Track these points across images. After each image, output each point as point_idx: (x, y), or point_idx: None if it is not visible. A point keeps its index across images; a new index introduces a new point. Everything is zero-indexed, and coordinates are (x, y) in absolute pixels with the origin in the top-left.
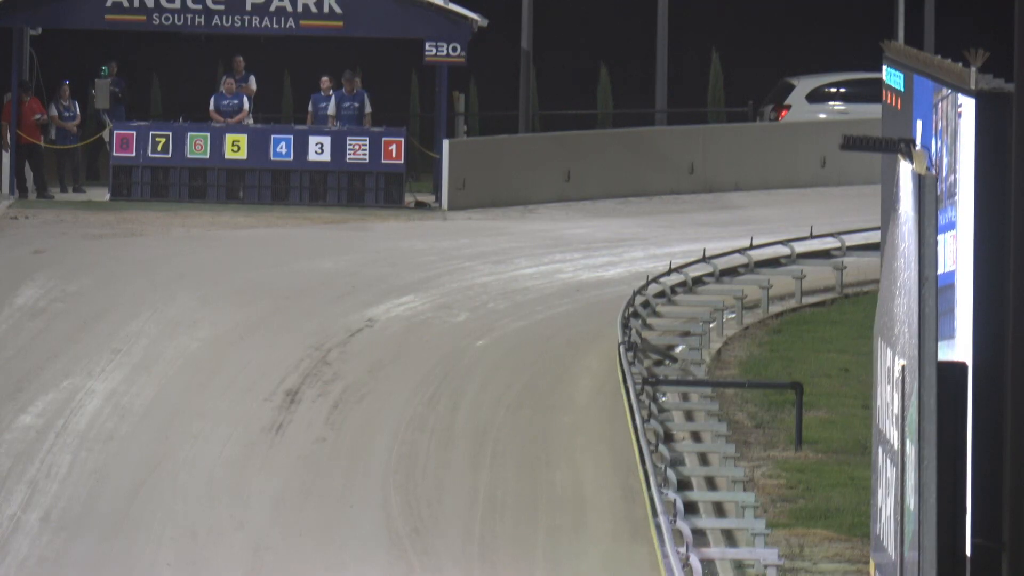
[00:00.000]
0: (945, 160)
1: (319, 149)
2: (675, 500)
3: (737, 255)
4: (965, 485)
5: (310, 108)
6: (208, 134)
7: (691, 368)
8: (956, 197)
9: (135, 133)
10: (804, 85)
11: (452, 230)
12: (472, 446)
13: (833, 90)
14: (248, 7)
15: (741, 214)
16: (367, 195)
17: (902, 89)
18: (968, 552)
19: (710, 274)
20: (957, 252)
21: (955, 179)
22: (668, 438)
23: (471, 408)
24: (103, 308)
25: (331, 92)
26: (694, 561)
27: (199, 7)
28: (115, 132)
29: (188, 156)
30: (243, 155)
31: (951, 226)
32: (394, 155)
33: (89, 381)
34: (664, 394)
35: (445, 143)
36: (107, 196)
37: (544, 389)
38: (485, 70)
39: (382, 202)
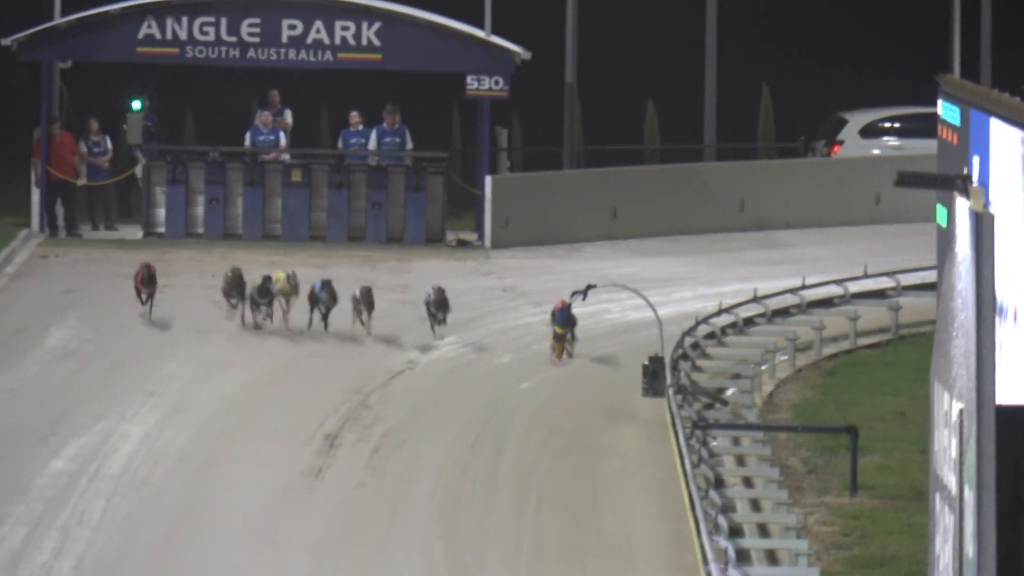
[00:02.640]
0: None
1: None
2: (726, 548)
3: (789, 295)
4: None
5: (340, 144)
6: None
7: (742, 411)
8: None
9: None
10: (857, 120)
11: (495, 269)
12: (517, 491)
13: (887, 125)
14: (284, 40)
15: (793, 253)
16: (407, 233)
17: (958, 124)
18: None
19: (761, 315)
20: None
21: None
22: (719, 483)
23: (515, 452)
24: (136, 350)
25: (360, 127)
26: None
27: (234, 40)
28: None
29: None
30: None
31: None
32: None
33: (122, 424)
34: (715, 438)
35: (488, 179)
36: (140, 234)
37: (590, 433)
38: (528, 104)
39: (422, 240)
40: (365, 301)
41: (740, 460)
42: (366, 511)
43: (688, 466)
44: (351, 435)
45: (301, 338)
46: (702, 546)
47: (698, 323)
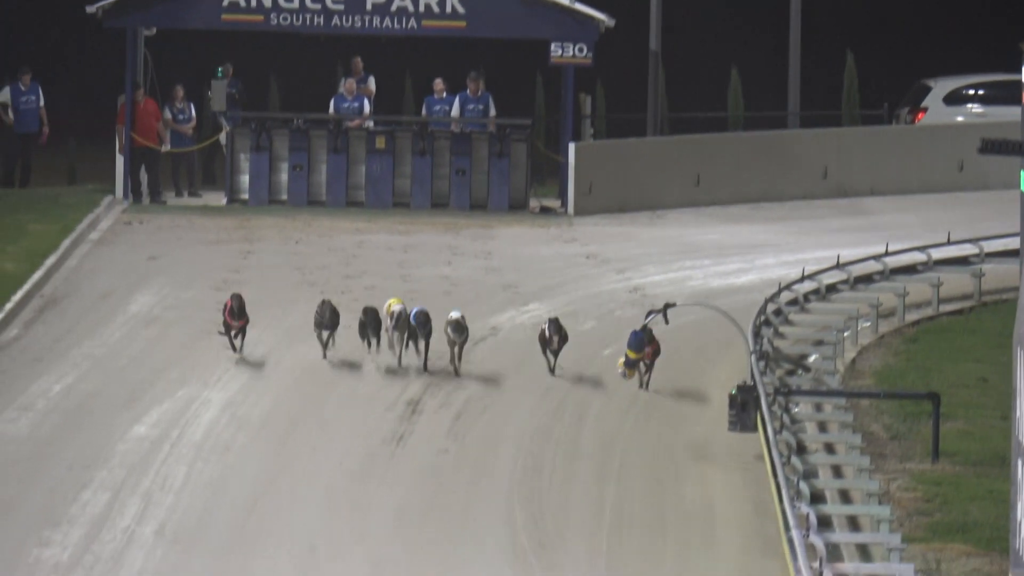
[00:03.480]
0: None
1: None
2: (808, 514)
3: (872, 262)
4: None
5: (424, 111)
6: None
7: (824, 378)
8: None
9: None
10: (941, 87)
11: (578, 236)
12: (598, 459)
13: (971, 92)
14: (368, 7)
15: (876, 219)
16: (491, 200)
17: None
18: None
19: (844, 281)
20: None
21: None
22: (801, 450)
23: (597, 419)
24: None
25: (444, 94)
26: None
27: (318, 7)
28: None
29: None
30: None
31: None
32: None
33: (205, 391)
34: (797, 404)
35: (571, 146)
36: (223, 201)
37: (673, 400)
38: (612, 72)
39: (506, 207)
40: (456, 331)
41: (822, 426)
42: (448, 477)
43: (770, 432)
44: (433, 401)
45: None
46: (783, 512)
47: (781, 289)
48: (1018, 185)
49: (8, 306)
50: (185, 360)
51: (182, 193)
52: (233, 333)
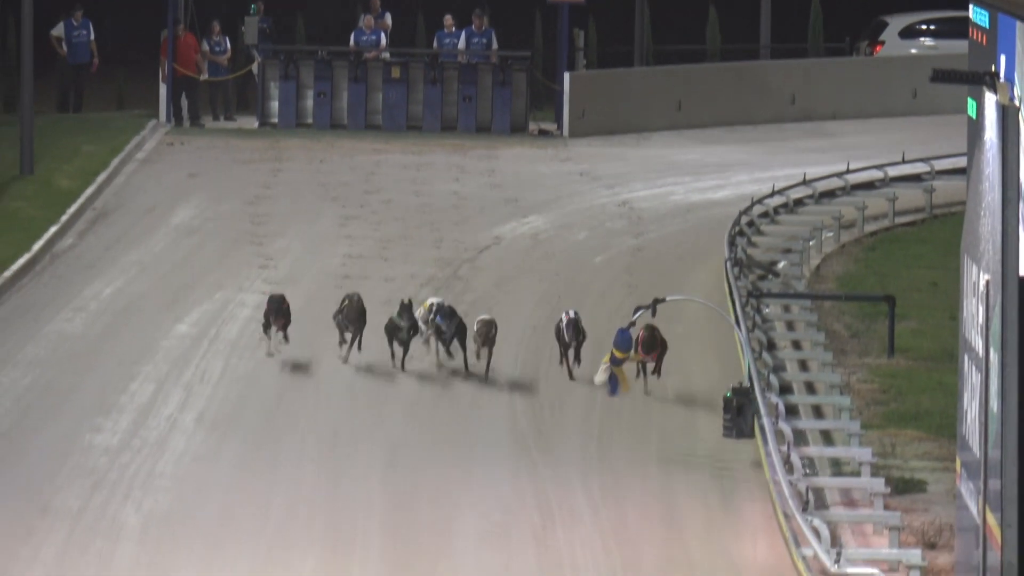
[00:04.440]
0: None
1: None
2: (777, 403)
3: (835, 179)
4: None
5: (435, 45)
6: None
7: (792, 282)
8: None
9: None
10: (897, 22)
11: (572, 156)
12: (591, 354)
13: (924, 27)
14: None
15: (838, 141)
16: (494, 124)
17: (987, 26)
18: None
19: (810, 196)
20: None
21: None
22: (771, 346)
23: (590, 319)
24: (252, 227)
25: (453, 29)
26: (794, 459)
27: None
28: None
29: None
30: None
31: None
32: (519, 87)
33: (240, 294)
34: (767, 306)
35: (566, 76)
36: (255, 124)
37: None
38: (603, 9)
39: (508, 130)
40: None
41: (790, 325)
42: (457, 371)
43: (744, 331)
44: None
45: (400, 219)
46: (756, 401)
47: (753, 203)
48: (965, 111)
49: (64, 218)
50: (221, 266)
51: (218, 117)
52: (273, 331)
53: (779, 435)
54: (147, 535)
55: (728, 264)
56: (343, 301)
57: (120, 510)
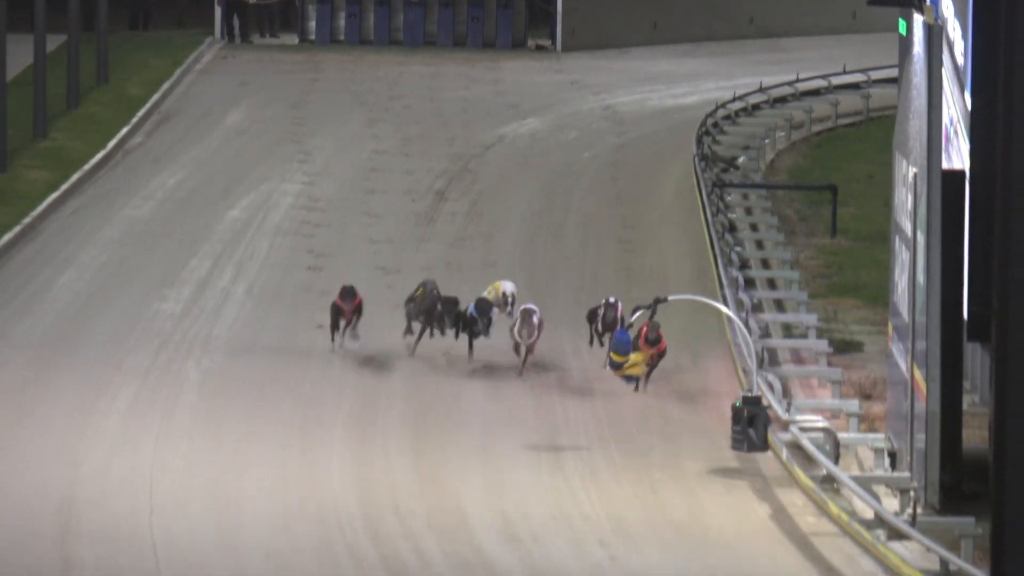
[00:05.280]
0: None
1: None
2: (737, 276)
3: (787, 87)
4: (963, 265)
5: None
6: None
7: (750, 174)
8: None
9: None
10: None
11: (564, 68)
12: (580, 233)
13: None
14: None
15: (790, 55)
16: (498, 40)
17: None
18: (965, 317)
19: (766, 101)
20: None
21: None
22: (732, 228)
23: (580, 204)
24: (293, 128)
25: None
26: (752, 324)
27: None
28: None
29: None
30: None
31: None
32: (519, 8)
33: (282, 184)
34: (729, 194)
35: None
36: (296, 41)
37: (637, 190)
38: None
39: (510, 46)
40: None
41: (748, 211)
42: (467, 246)
43: (709, 215)
44: (455, 192)
45: (418, 122)
46: (719, 275)
47: (717, 108)
48: (897, 29)
49: (134, 120)
50: (267, 161)
51: (264, 35)
52: (343, 324)
53: (739, 303)
54: (204, 388)
55: (696, 159)
56: (417, 289)
57: (182, 367)
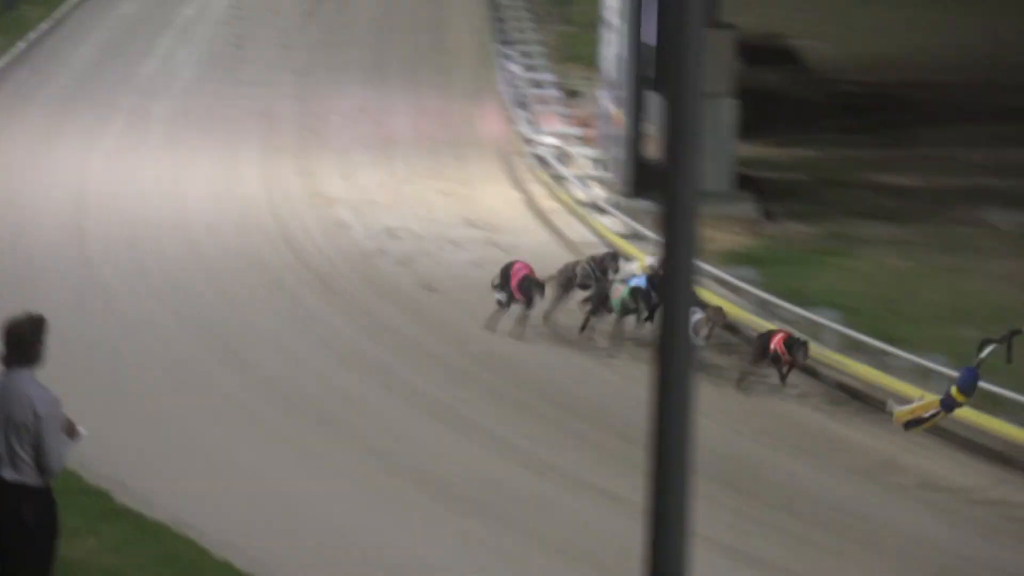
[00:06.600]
0: None
1: None
2: (508, 52)
3: None
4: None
5: None
6: None
7: None
8: None
9: None
10: None
11: None
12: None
13: None
14: None
15: None
16: None
17: None
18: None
19: None
20: None
21: None
22: (501, 20)
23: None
24: None
25: None
26: (514, 73)
27: None
28: None
29: None
30: None
31: None
32: None
33: None
34: None
35: None
36: None
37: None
38: None
39: None
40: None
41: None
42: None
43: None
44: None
45: None
46: (494, 50)
47: None
48: None
49: None
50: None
51: None
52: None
53: (504, 58)
54: (172, 124)
55: None
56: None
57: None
